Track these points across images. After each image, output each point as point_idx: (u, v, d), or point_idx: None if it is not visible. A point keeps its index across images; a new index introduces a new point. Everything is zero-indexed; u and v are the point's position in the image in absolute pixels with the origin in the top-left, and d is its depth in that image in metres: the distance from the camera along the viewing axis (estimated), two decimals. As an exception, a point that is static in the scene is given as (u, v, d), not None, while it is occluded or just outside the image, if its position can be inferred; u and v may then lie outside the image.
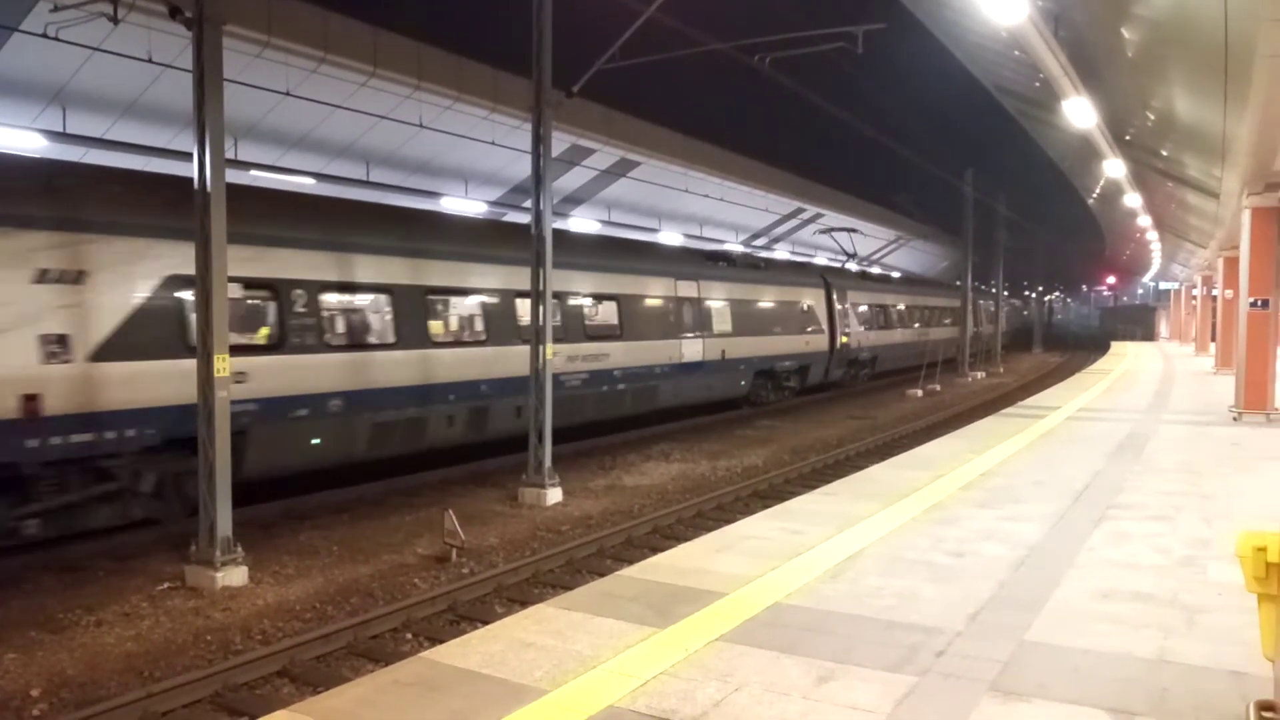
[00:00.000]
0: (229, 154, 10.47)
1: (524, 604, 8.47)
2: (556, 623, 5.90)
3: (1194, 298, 42.42)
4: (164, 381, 10.47)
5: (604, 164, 27.82)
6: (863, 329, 31.45)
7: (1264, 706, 4.11)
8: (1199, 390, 22.62)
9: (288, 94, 17.81)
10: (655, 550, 9.88)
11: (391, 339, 13.64)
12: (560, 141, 22.76)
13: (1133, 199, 24.63)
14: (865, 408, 26.67)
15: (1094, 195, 36.24)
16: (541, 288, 13.42)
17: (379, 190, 21.57)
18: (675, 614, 6.01)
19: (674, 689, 4.86)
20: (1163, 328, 63.24)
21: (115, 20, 10.89)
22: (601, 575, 8.23)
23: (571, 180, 27.80)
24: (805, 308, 27.20)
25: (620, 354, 18.66)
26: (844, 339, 29.48)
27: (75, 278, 9.84)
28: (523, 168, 19.45)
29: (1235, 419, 16.41)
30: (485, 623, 7.01)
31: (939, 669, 5.10)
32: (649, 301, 20.08)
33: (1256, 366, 16.51)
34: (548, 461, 13.54)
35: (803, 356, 26.85)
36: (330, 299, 12.81)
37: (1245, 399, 16.57)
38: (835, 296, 29.17)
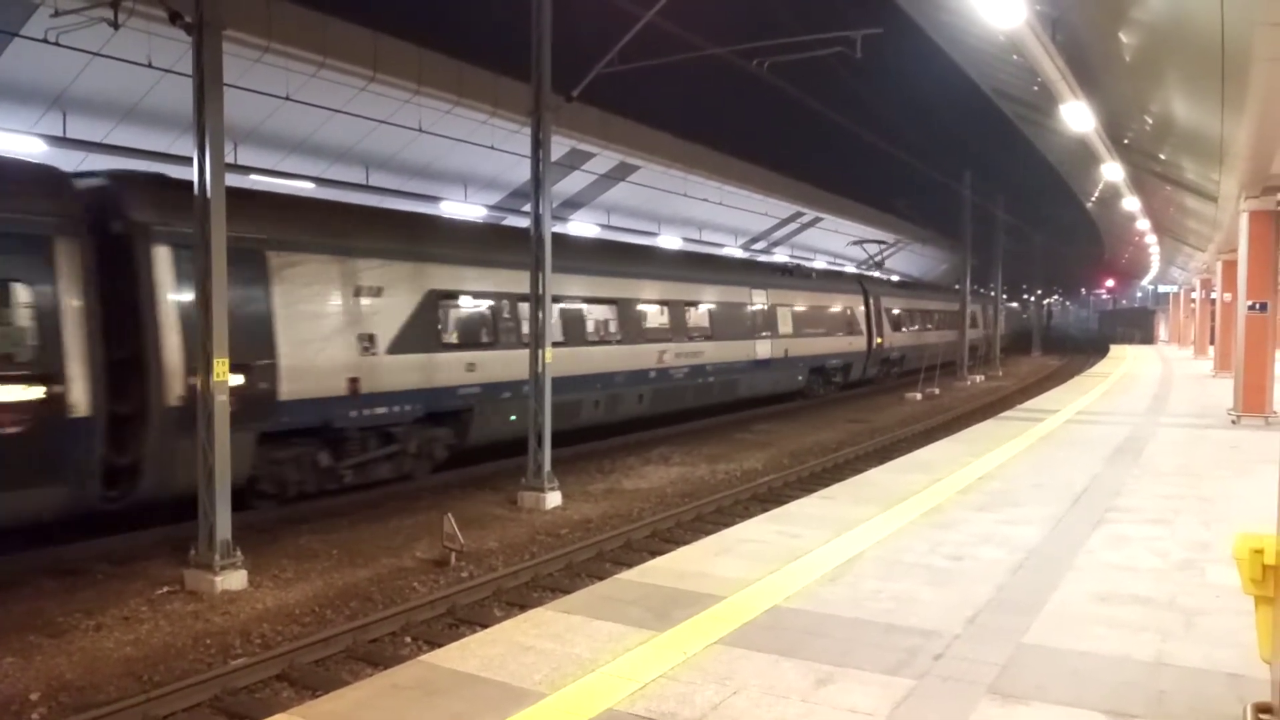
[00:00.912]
0: (229, 158, 10.52)
1: (523, 607, 8.47)
2: (555, 626, 5.91)
3: (1193, 301, 42.47)
4: (426, 369, 13.93)
5: (603, 168, 27.86)
6: (892, 331, 34.59)
7: (1261, 709, 4.11)
8: (1198, 393, 22.63)
9: (287, 98, 17.85)
10: (654, 554, 9.89)
11: (559, 338, 16.24)
12: (560, 146, 22.80)
13: (1131, 202, 24.68)
14: (864, 411, 26.68)
15: (1092, 199, 36.31)
16: (541, 291, 13.44)
17: (378, 194, 21.59)
18: (674, 617, 6.02)
19: (673, 692, 4.87)
20: (1161, 331, 63.30)
21: (115, 25, 10.90)
22: (600, 579, 8.24)
23: (571, 184, 27.83)
24: (849, 312, 30.56)
25: (711, 352, 21.78)
26: (879, 340, 32.75)
27: (376, 292, 13.22)
28: (522, 172, 19.47)
29: (1234, 422, 16.42)
30: (484, 626, 7.01)
31: (937, 672, 5.11)
32: (732, 308, 23.19)
33: (1255, 370, 16.52)
34: (547, 465, 13.54)
35: (847, 355, 30.27)
36: (524, 308, 15.00)
37: (1244, 402, 16.59)
38: (871, 303, 32.30)
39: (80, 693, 7.14)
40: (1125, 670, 5.11)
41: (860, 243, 39.55)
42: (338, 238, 12.94)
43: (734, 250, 36.78)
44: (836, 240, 48.09)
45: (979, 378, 39.13)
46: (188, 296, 10.30)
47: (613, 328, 18.62)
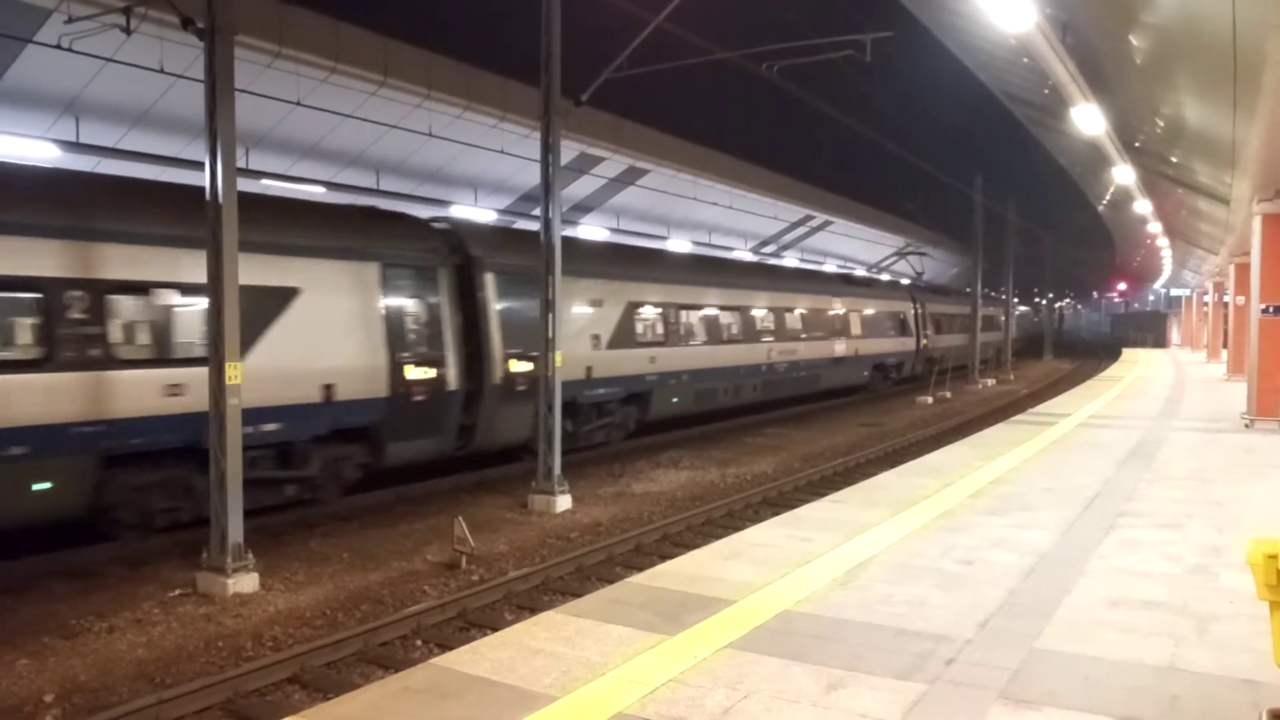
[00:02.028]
0: (240, 163, 10.57)
1: (533, 611, 8.49)
2: (566, 630, 5.91)
3: (1205, 304, 42.25)
4: (627, 361, 18.68)
5: (613, 172, 27.89)
6: (934, 334, 38.82)
7: (1276, 715, 4.10)
8: (1210, 397, 22.52)
9: (298, 103, 17.92)
10: (664, 558, 9.89)
11: (705, 338, 21.68)
12: (569, 150, 22.83)
13: (1143, 205, 24.56)
14: (875, 415, 26.63)
15: (1104, 202, 36.15)
16: (550, 296, 13.45)
17: (389, 199, 21.67)
18: (684, 621, 6.02)
19: (683, 696, 4.86)
20: (1174, 334, 62.98)
21: (128, 31, 10.98)
22: (611, 582, 8.24)
23: (580, 188, 27.86)
24: (902, 317, 35.13)
25: (803, 350, 26.23)
26: (925, 341, 37.12)
27: (600, 303, 18.03)
28: (532, 176, 19.48)
29: (1247, 426, 16.33)
30: (495, 630, 7.02)
31: (949, 677, 5.09)
32: (818, 313, 27.63)
33: (1268, 373, 16.44)
34: (557, 469, 13.55)
35: (901, 354, 34.79)
36: (683, 314, 20.98)
37: (1257, 406, 16.50)
38: (918, 308, 36.75)
39: (93, 694, 7.18)
40: (1138, 676, 5.09)
41: (903, 254, 45.04)
42: (577, 262, 16.49)
43: (744, 254, 36.74)
44: (847, 244, 48.01)
45: (990, 381, 39.01)
46: (505, 307, 15.55)
47: (736, 330, 23.09)
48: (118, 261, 10.44)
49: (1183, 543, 8.08)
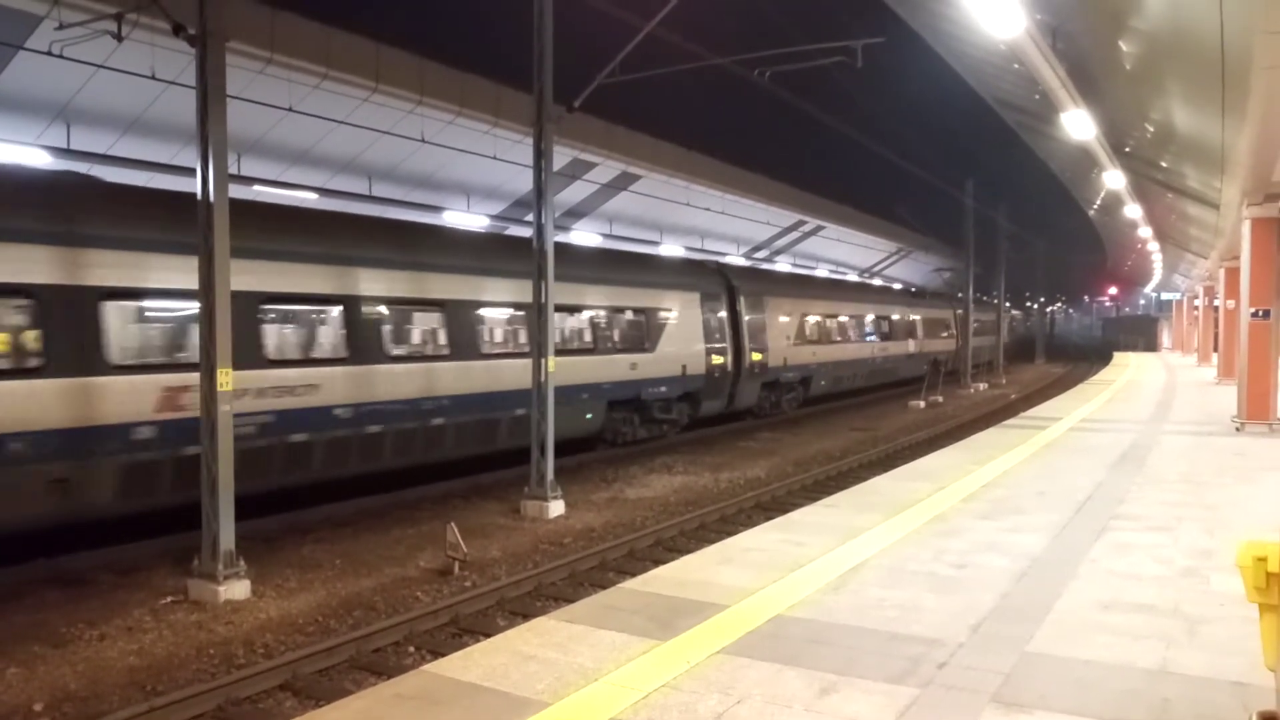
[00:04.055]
0: (232, 169, 10.56)
1: (526, 617, 8.48)
2: (558, 635, 5.91)
3: (1196, 308, 42.41)
4: (803, 354, 26.84)
5: (605, 178, 27.92)
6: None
7: (1266, 717, 4.10)
8: (1201, 401, 22.61)
9: (290, 109, 17.90)
10: (657, 563, 9.89)
11: (839, 339, 30.20)
12: (562, 156, 22.86)
13: (1133, 210, 24.66)
14: (867, 419, 26.68)
15: (1094, 206, 36.30)
16: (544, 301, 13.45)
17: (381, 205, 21.65)
18: (677, 626, 6.01)
19: (676, 701, 4.86)
20: (1165, 338, 63.19)
21: (119, 38, 10.95)
22: (604, 588, 8.23)
23: (573, 194, 27.89)
24: (946, 321, 44.56)
25: (892, 349, 35.77)
26: (961, 342, 44.02)
27: (789, 313, 26.00)
28: (524, 182, 19.55)
29: (1238, 429, 16.40)
30: (487, 635, 7.01)
31: (941, 680, 5.10)
32: (900, 320, 37.28)
33: (1258, 377, 16.50)
34: (550, 474, 13.54)
35: (946, 353, 43.16)
36: (829, 322, 29.30)
37: (1247, 409, 16.56)
38: (957, 314, 44.73)
39: (84, 703, 7.14)
40: (1129, 678, 5.10)
41: (940, 271, 53.80)
42: (770, 282, 26.88)
43: (737, 259, 36.80)
44: (839, 249, 48.13)
45: (982, 385, 39.10)
46: (749, 318, 23.89)
47: (853, 334, 31.52)
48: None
49: (1174, 546, 8.10)
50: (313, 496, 13.33)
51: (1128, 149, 18.18)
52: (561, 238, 20.08)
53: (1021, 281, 77.51)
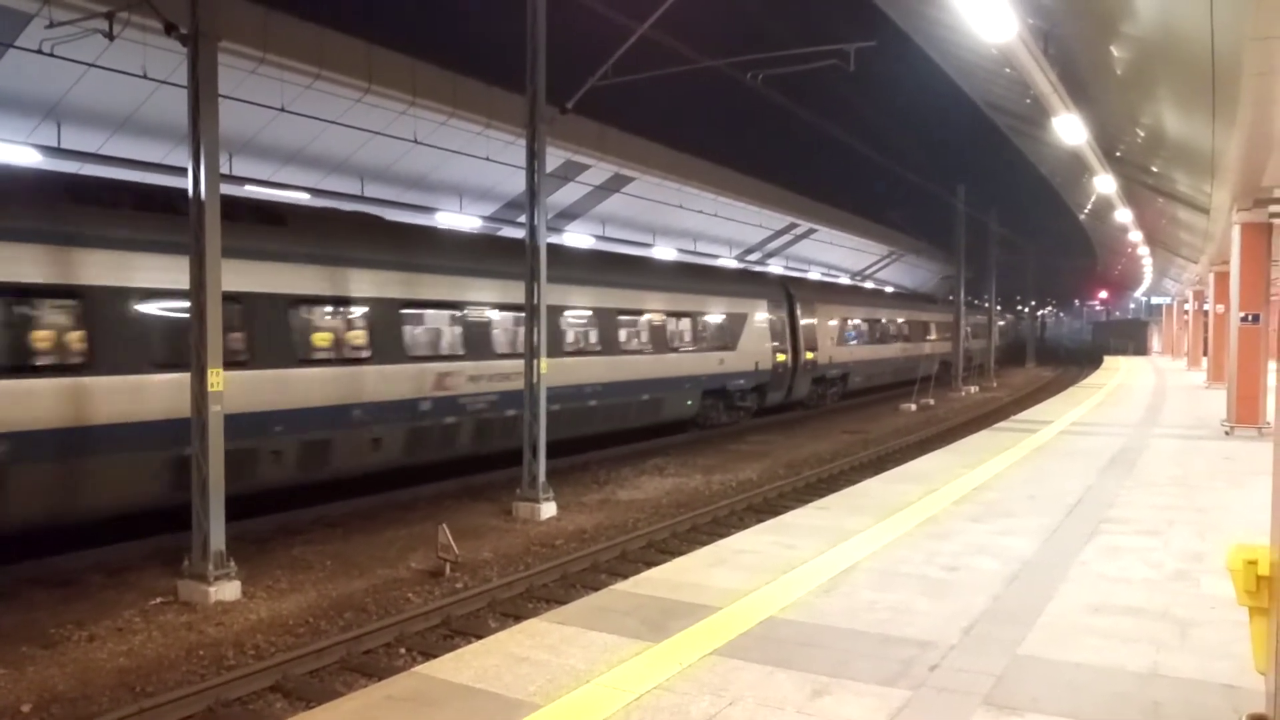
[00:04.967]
0: (223, 169, 10.55)
1: (518, 618, 8.46)
2: (550, 637, 5.90)
3: (1186, 312, 42.61)
4: (843, 354, 31.68)
5: (598, 179, 27.90)
6: (969, 337, 50.52)
7: (1256, 719, 4.12)
8: (1191, 404, 22.71)
9: (282, 109, 17.84)
10: (649, 565, 9.88)
11: (872, 341, 34.96)
12: (554, 157, 22.81)
13: (1123, 214, 24.74)
14: (859, 422, 26.74)
15: (1085, 211, 36.40)
16: (535, 302, 13.45)
17: (373, 205, 21.60)
18: (669, 628, 6.01)
19: (667, 703, 4.86)
20: (1155, 342, 63.47)
21: (111, 36, 10.91)
22: (595, 590, 8.23)
23: (566, 196, 27.86)
24: (980, 328, 51.99)
25: (911, 349, 40.14)
26: (966, 344, 48.86)
27: (831, 318, 30.57)
28: (517, 183, 19.54)
29: (1227, 433, 16.47)
30: (479, 637, 6.99)
31: (933, 683, 5.11)
32: (916, 323, 41.69)
33: (1248, 380, 16.57)
34: (542, 476, 13.53)
35: (982, 353, 50.16)
36: (863, 325, 34.00)
37: (1237, 413, 16.63)
38: (990, 321, 52.75)
39: (73, 704, 7.10)
40: (1120, 681, 5.12)
41: (948, 278, 56.99)
42: (817, 291, 30.96)
43: (729, 261, 36.86)
44: (831, 252, 48.22)
45: (973, 389, 39.22)
46: (804, 323, 27.94)
47: (879, 336, 36.15)
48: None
49: (1164, 549, 8.13)
50: (310, 498, 13.30)
51: (1118, 154, 18.26)
52: (554, 239, 20.07)
53: (1012, 285, 77.77)
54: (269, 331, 12.07)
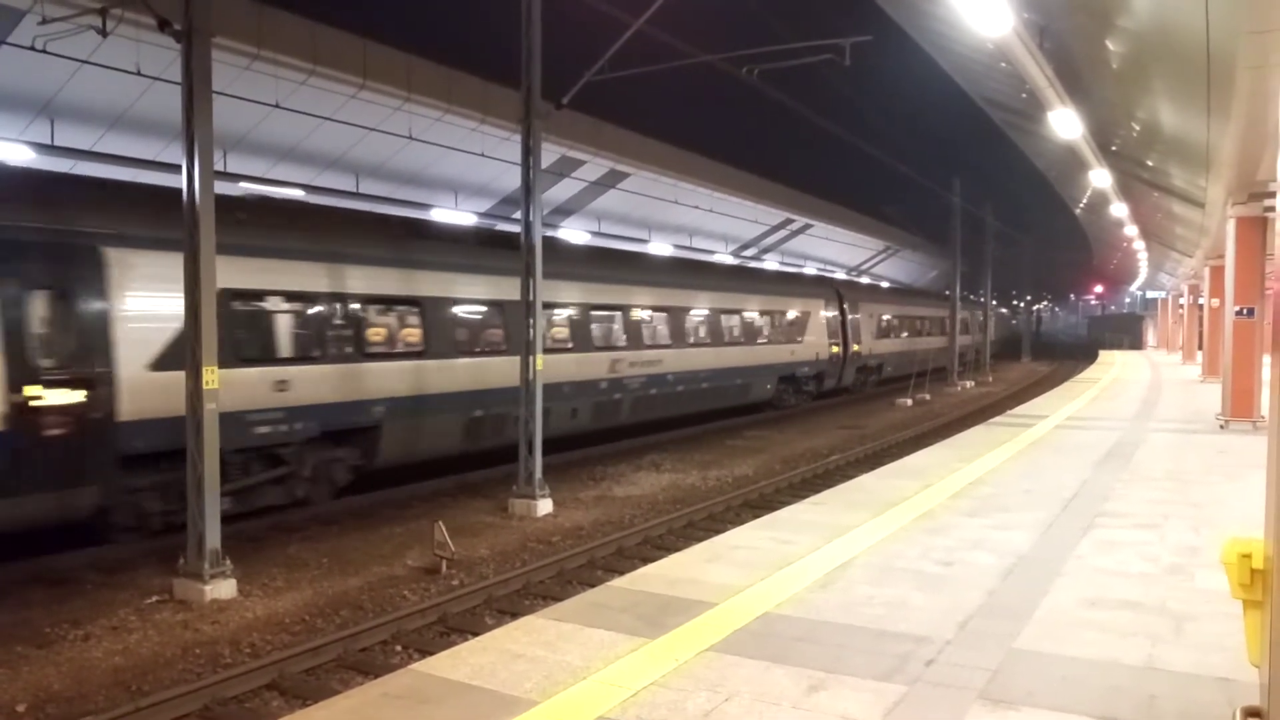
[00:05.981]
0: (218, 166, 10.53)
1: (514, 615, 8.46)
2: (547, 634, 5.89)
3: (1181, 306, 42.69)
4: (881, 345, 36.36)
5: (594, 175, 27.87)
6: (979, 331, 54.92)
7: (1251, 713, 4.11)
8: (1186, 398, 22.75)
9: (277, 106, 17.79)
10: (646, 561, 9.88)
11: (906, 335, 40.04)
12: (550, 153, 22.78)
13: (1119, 209, 24.78)
14: (855, 417, 26.76)
15: (1081, 205, 36.45)
16: (531, 298, 13.43)
17: (368, 201, 21.56)
18: (665, 624, 6.01)
19: (664, 699, 4.86)
20: (1150, 336, 63.58)
21: (104, 33, 10.86)
22: (592, 586, 8.22)
23: (561, 191, 27.82)
24: (966, 320, 49.79)
25: (933, 343, 42.85)
26: (980, 336, 52.94)
27: (872, 316, 35.52)
28: (512, 179, 19.55)
29: (1222, 427, 16.50)
30: (475, 634, 6.99)
31: (929, 678, 5.12)
32: (935, 319, 45.34)
33: (1242, 375, 16.60)
34: (538, 472, 13.52)
35: (966, 347, 49.13)
36: (898, 321, 39.08)
37: (1232, 407, 16.66)
38: (975, 314, 53.38)
39: (68, 703, 7.09)
40: (1115, 675, 5.12)
41: (945, 269, 60.03)
42: (860, 290, 35.97)
43: (724, 257, 36.86)
44: (827, 247, 48.22)
45: (969, 383, 39.27)
46: (850, 319, 32.29)
47: (907, 331, 40.33)
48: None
49: (1159, 543, 8.15)
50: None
51: (1114, 148, 18.27)
52: (549, 234, 20.13)
53: (1008, 280, 77.85)
54: (570, 326, 18.31)
